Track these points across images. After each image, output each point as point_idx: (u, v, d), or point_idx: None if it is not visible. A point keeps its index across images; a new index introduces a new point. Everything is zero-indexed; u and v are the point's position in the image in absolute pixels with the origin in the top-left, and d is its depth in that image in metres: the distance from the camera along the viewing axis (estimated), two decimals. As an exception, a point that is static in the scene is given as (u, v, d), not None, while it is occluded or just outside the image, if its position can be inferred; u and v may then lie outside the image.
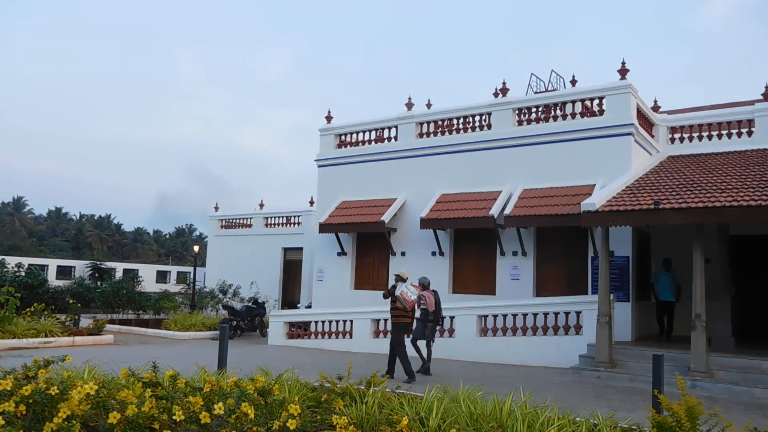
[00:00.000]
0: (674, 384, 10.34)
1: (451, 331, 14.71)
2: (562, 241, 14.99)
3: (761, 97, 15.92)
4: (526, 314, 13.88)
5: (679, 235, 13.53)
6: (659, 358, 6.14)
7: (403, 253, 17.21)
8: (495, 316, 14.28)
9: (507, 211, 14.50)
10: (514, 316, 14.01)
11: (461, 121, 16.96)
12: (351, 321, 16.22)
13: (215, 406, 4.22)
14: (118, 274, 36.24)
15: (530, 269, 15.23)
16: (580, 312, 13.23)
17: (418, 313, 12.00)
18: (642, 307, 14.14)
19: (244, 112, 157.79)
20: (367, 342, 15.70)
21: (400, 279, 11.45)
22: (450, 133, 17.05)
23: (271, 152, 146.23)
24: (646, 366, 10.83)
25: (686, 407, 4.53)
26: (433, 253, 16.51)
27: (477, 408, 5.83)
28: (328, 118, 19.55)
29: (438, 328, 12.59)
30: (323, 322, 16.89)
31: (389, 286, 11.64)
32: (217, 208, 29.15)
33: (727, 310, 13.87)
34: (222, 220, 28.70)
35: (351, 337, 16.07)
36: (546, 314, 13.67)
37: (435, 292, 12.23)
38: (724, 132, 15.73)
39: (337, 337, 16.45)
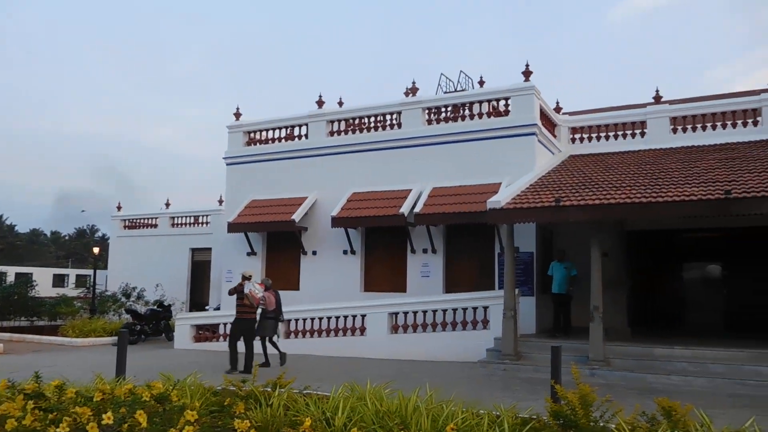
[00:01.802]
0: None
1: (363, 330, 14.73)
2: (470, 238, 15.33)
3: (653, 100, 16.92)
4: (436, 310, 14.09)
5: (580, 230, 14.12)
6: (557, 349, 6.38)
7: (314, 252, 17.08)
8: (406, 314, 14.41)
9: (417, 210, 14.69)
10: (425, 312, 14.19)
11: (372, 119, 17.03)
12: (262, 322, 15.87)
13: (104, 415, 3.98)
14: (10, 279, 33.95)
15: (440, 266, 15.49)
16: (488, 307, 13.57)
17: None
18: (545, 301, 14.65)
19: (153, 107, 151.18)
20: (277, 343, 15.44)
21: (246, 278, 12.53)
22: (361, 131, 17.08)
23: (181, 149, 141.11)
24: (548, 357, 11.18)
25: (580, 395, 4.70)
26: (345, 252, 16.49)
27: (383, 405, 5.82)
28: (237, 115, 19.11)
29: (280, 325, 13.80)
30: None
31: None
32: (119, 208, 27.85)
33: (623, 301, 14.67)
34: (125, 220, 27.45)
35: (261, 338, 15.77)
36: (455, 310, 13.93)
37: (276, 292, 13.28)
38: (620, 133, 16.60)
39: (247, 339, 16.07)
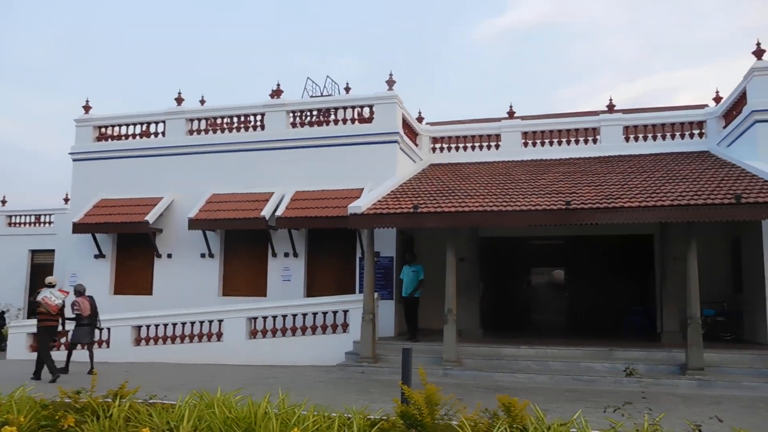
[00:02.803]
0: (429, 374, 11.17)
1: (220, 335, 14.29)
2: (332, 243, 15.39)
3: (507, 116, 17.97)
4: (296, 315, 13.99)
5: (439, 236, 14.61)
6: (408, 351, 6.54)
7: (169, 255, 16.31)
8: (265, 318, 14.16)
9: (279, 213, 14.51)
10: (284, 317, 14.03)
11: (235, 120, 16.59)
12: (108, 329, 14.86)
13: None
14: None
15: (301, 270, 15.40)
16: (348, 311, 13.68)
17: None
18: (405, 304, 15.00)
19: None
20: (126, 351, 14.60)
21: (48, 285, 12.27)
22: (223, 131, 16.58)
23: (26, 143, 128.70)
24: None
25: (426, 395, 4.85)
26: (203, 255, 15.90)
27: (232, 412, 5.68)
28: (86, 108, 17.82)
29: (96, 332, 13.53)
30: (74, 330, 15.30)
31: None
32: (-58, 205, 24.93)
33: (476, 304, 15.39)
34: (-48, 218, 24.61)
35: (108, 346, 14.78)
36: (315, 314, 13.90)
37: (90, 298, 13.09)
38: (476, 144, 17.44)
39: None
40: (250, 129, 16.33)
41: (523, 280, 19.09)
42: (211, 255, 15.88)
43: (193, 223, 15.23)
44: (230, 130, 16.49)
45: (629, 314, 15.62)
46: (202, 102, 17.51)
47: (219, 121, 16.76)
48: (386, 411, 6.03)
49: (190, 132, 16.83)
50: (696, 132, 16.10)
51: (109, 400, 6.13)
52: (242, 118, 16.53)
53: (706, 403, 9.39)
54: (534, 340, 13.57)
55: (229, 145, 16.19)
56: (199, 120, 16.85)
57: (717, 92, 16.86)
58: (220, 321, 14.33)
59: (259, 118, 16.36)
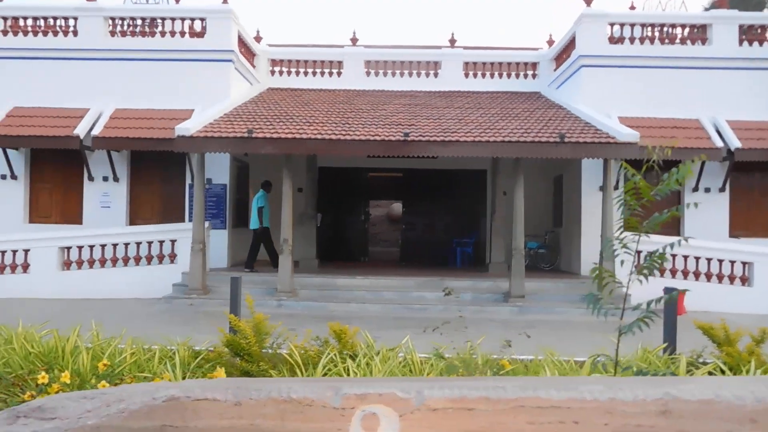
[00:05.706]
0: (263, 305, 10.82)
1: (26, 266, 12.73)
2: (159, 167, 14.19)
3: (350, 43, 17.47)
4: (117, 244, 12.82)
5: (276, 164, 14.01)
6: (236, 280, 6.13)
7: (-39, 176, 14.10)
8: (81, 248, 12.82)
9: (96, 132, 13.01)
10: (103, 246, 12.80)
11: (41, 22, 14.36)
12: None
13: None
14: None
15: (123, 196, 14.09)
16: (176, 240, 12.81)
17: None
18: (239, 234, 14.36)
19: None
20: None
21: None
22: (26, 35, 14.29)
23: None
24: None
25: (253, 324, 4.50)
26: (3, 177, 13.89)
27: (35, 347, 4.98)
28: None
29: None
30: None
31: None
32: None
33: (313, 234, 15.17)
34: None
35: None
36: (139, 243, 12.86)
37: None
38: (318, 70, 16.85)
39: None
40: (60, 35, 14.24)
41: (361, 211, 19.11)
42: (13, 177, 13.92)
43: (-10, 140, 13.21)
44: (35, 33, 14.25)
45: (462, 246, 16.28)
46: (1, -1, 14.95)
47: (22, 22, 14.43)
48: (213, 342, 5.62)
49: (-16, 33, 14.36)
50: (530, 73, 16.79)
51: None
52: (50, 21, 14.34)
53: (522, 326, 10.01)
54: (369, 271, 13.71)
55: (34, 51, 14.02)
56: (-5, 20, 14.38)
57: (550, 35, 17.63)
58: (27, 251, 12.75)
59: (71, 23, 14.31)
